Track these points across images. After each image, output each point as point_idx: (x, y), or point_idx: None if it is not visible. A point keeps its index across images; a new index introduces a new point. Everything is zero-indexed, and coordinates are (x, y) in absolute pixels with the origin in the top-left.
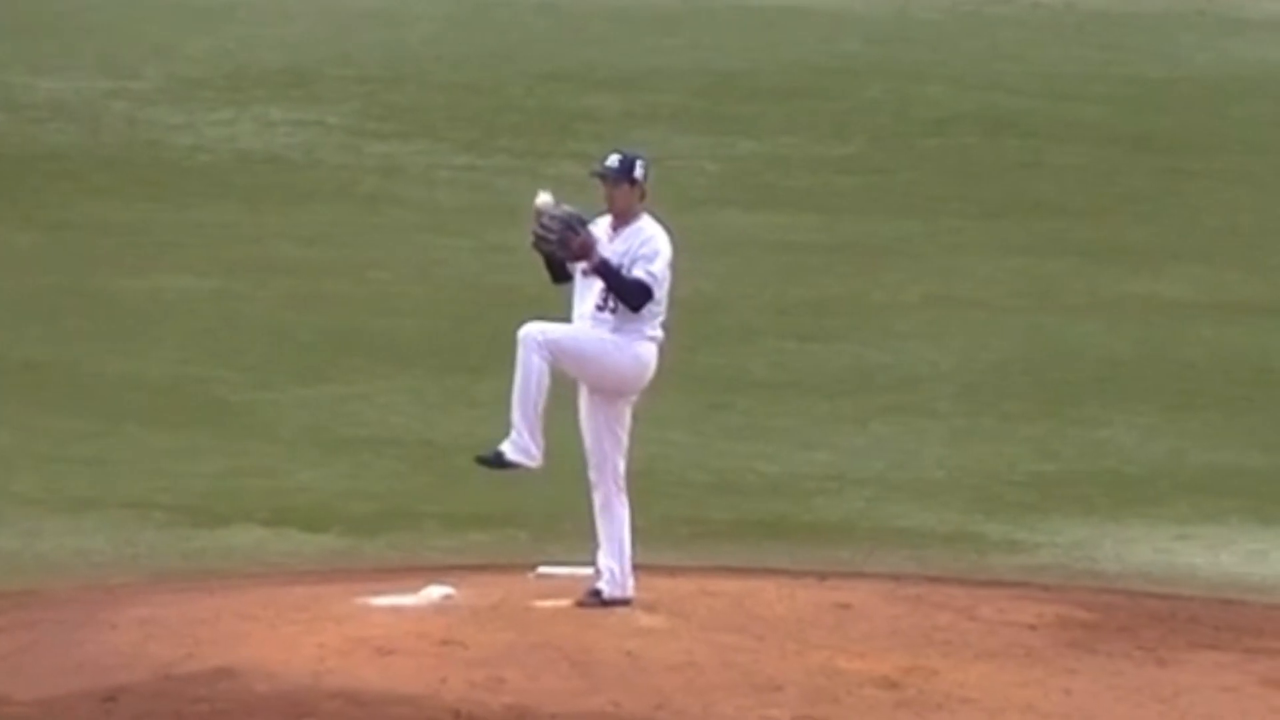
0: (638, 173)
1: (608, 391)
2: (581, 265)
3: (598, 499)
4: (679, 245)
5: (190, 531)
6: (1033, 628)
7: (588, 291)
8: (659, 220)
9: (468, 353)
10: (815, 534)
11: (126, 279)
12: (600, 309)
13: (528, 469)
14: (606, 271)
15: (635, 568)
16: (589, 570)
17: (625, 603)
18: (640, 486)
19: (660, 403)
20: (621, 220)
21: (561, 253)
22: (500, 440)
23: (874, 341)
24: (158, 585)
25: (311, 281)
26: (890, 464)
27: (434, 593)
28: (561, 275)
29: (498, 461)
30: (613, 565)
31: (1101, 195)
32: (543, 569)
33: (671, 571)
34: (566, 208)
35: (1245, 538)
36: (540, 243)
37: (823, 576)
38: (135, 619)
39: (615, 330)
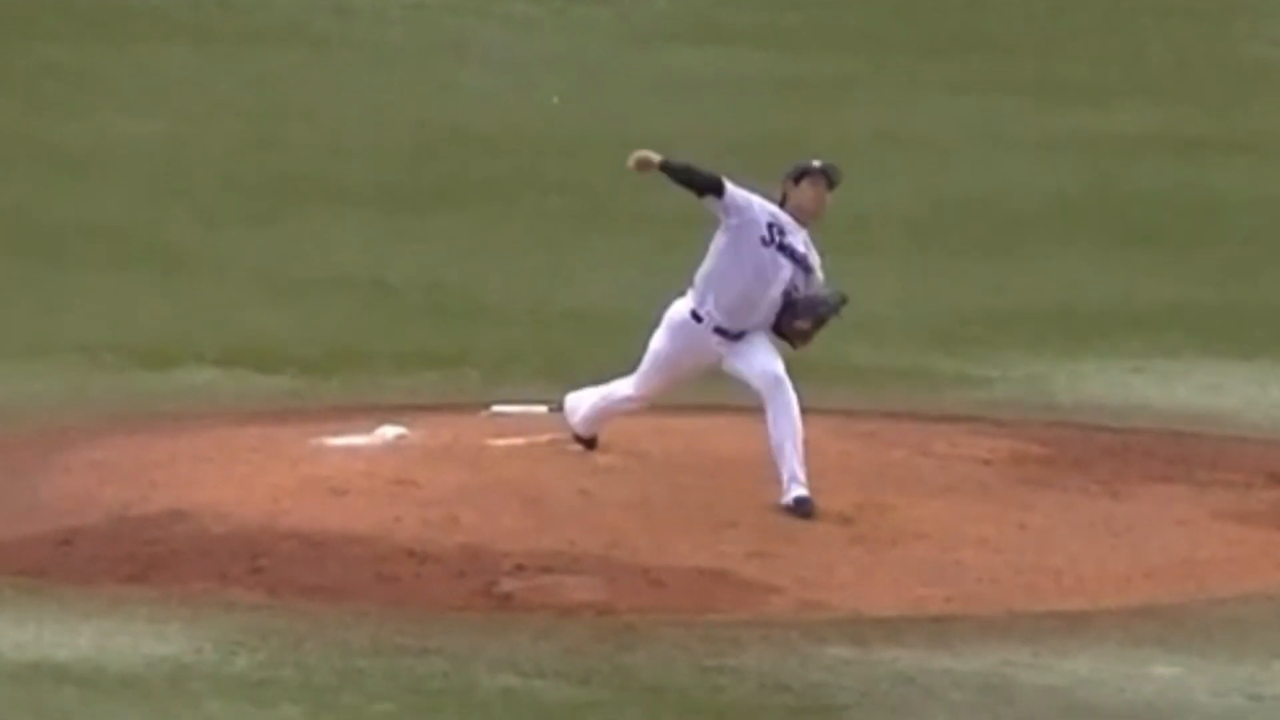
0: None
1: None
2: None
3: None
4: (630, 84)
5: (142, 374)
6: (987, 463)
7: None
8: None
9: (418, 193)
10: None
11: (74, 122)
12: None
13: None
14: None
15: None
16: (542, 409)
17: (590, 444)
18: (594, 326)
19: (613, 243)
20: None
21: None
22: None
23: None
24: (111, 428)
25: (261, 124)
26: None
27: (388, 433)
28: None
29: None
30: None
31: (1049, 30)
32: (496, 408)
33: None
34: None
35: (1199, 371)
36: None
37: None
38: (89, 462)
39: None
